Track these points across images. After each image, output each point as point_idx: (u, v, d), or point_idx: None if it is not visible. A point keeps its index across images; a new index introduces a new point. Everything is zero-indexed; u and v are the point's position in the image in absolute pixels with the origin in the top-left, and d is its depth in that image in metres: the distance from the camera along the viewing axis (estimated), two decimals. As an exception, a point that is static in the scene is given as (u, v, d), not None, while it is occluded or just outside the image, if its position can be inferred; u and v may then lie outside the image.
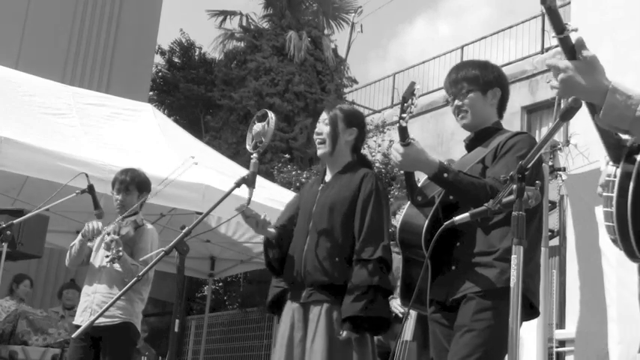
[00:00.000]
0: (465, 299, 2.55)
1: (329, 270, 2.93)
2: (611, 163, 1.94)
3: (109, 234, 4.28)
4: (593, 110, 1.85)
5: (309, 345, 2.88)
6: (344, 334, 2.85)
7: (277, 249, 3.15)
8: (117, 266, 4.21)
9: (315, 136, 3.19)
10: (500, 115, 2.85)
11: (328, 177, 3.18)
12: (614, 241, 1.95)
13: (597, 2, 7.96)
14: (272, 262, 3.18)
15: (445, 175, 2.54)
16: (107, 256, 4.10)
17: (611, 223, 1.90)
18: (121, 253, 4.05)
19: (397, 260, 4.43)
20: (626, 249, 1.92)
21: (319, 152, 3.18)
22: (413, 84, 2.55)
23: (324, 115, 3.18)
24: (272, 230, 3.11)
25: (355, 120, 3.19)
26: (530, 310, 2.60)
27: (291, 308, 3.02)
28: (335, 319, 2.89)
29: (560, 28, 1.75)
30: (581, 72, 1.76)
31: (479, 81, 2.76)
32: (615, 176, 1.89)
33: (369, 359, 2.92)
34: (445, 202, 2.66)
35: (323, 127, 3.15)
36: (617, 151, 1.92)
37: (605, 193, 1.91)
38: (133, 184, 4.47)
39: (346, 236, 2.98)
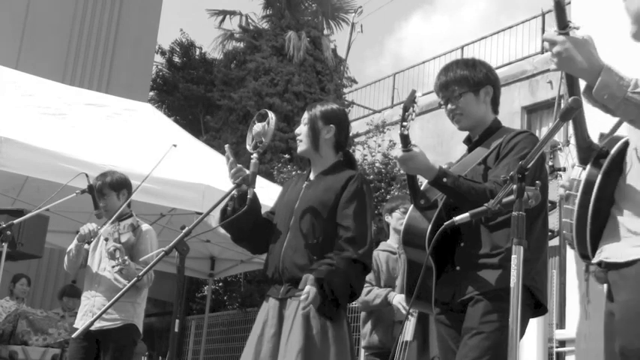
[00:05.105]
0: (473, 301, 2.54)
1: (306, 268, 2.91)
2: (577, 164, 1.97)
3: (107, 239, 4.27)
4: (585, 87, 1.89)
5: (284, 340, 2.86)
6: (306, 288, 2.79)
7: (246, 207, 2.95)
8: (119, 277, 4.21)
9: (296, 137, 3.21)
10: (495, 111, 2.84)
11: (312, 175, 3.17)
12: (569, 242, 2.01)
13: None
14: (230, 211, 3.01)
15: (444, 179, 2.54)
16: (113, 266, 4.11)
17: (570, 220, 1.93)
18: (127, 262, 4.05)
19: (393, 260, 4.45)
20: (579, 249, 1.97)
21: (298, 150, 3.22)
22: (414, 92, 2.55)
23: (304, 115, 3.20)
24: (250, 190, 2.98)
25: (333, 117, 3.16)
26: (537, 308, 2.60)
27: (267, 306, 3.01)
28: (312, 316, 2.86)
29: (563, 24, 1.82)
30: (577, 46, 1.80)
31: (469, 82, 2.75)
32: (581, 178, 1.93)
33: (347, 357, 2.89)
34: (448, 205, 2.66)
35: (302, 127, 3.17)
36: (586, 153, 1.98)
37: (568, 191, 1.96)
38: (105, 186, 4.43)
39: (326, 236, 2.96)
